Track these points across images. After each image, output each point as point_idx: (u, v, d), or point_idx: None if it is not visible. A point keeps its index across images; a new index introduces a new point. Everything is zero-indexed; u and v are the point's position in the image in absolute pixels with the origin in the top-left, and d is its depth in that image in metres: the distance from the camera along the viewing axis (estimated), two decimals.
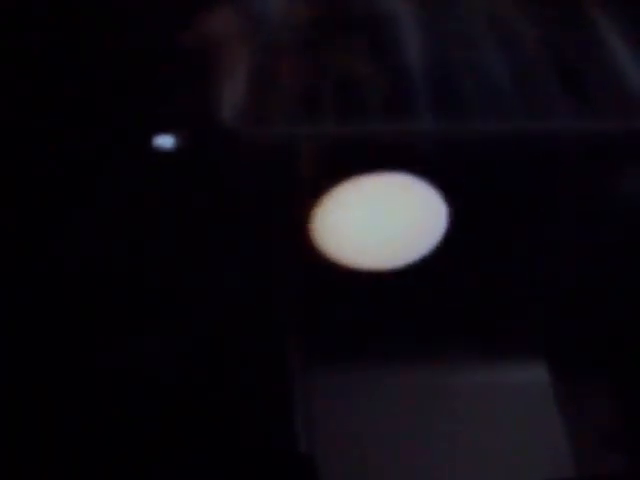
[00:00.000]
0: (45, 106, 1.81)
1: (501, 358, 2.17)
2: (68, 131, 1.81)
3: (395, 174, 1.45)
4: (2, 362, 1.94)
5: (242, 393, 2.06)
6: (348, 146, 1.86)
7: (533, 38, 1.88)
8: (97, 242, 1.93)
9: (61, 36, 1.81)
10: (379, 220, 1.57)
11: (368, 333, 2.12)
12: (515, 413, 2.11)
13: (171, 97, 1.84)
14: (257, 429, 2.03)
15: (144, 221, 1.99)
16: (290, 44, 1.87)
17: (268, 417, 2.05)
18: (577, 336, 2.15)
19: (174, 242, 2.01)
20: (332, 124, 1.85)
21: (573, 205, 1.99)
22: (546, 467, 2.06)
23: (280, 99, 1.86)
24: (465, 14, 1.91)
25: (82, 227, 1.91)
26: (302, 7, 1.88)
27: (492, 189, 1.85)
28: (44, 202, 1.87)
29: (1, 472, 1.85)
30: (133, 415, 2.01)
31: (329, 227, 1.52)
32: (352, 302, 2.09)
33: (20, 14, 1.76)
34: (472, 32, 1.90)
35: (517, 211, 2.01)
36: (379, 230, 1.57)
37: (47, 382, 1.98)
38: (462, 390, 2.12)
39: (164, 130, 1.84)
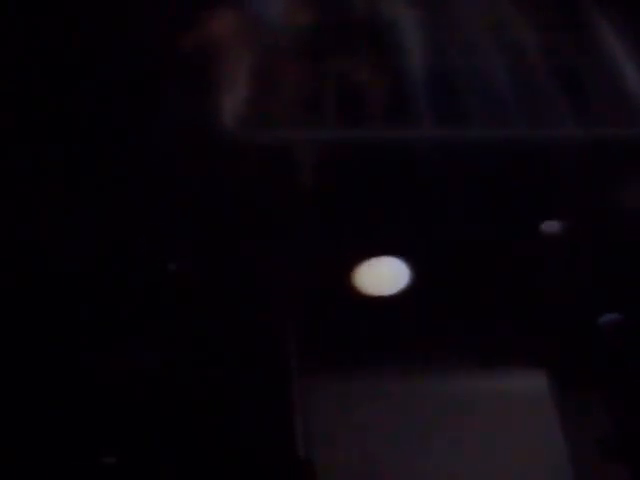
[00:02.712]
0: (45, 109, 1.84)
1: (502, 369, 2.16)
2: (68, 132, 1.83)
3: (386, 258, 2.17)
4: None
5: (244, 401, 2.07)
6: (348, 151, 1.87)
7: (534, 44, 1.87)
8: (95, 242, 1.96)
9: (62, 42, 1.83)
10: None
11: (369, 344, 2.13)
12: (515, 423, 2.10)
13: (173, 101, 1.85)
14: (258, 435, 2.04)
15: (151, 232, 2.02)
16: (291, 49, 1.88)
17: (269, 423, 2.06)
18: (577, 348, 2.14)
19: (177, 245, 2.04)
20: (332, 129, 1.85)
21: (572, 214, 1.98)
22: (546, 477, 2.05)
23: (281, 103, 1.87)
24: (466, 21, 1.91)
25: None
26: (303, 12, 1.89)
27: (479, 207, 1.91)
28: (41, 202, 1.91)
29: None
30: (133, 418, 2.03)
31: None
32: (353, 318, 2.12)
33: (20, 17, 1.78)
34: (473, 38, 1.89)
35: (520, 220, 2.00)
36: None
37: (45, 382, 2.01)
38: (462, 399, 2.11)
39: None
